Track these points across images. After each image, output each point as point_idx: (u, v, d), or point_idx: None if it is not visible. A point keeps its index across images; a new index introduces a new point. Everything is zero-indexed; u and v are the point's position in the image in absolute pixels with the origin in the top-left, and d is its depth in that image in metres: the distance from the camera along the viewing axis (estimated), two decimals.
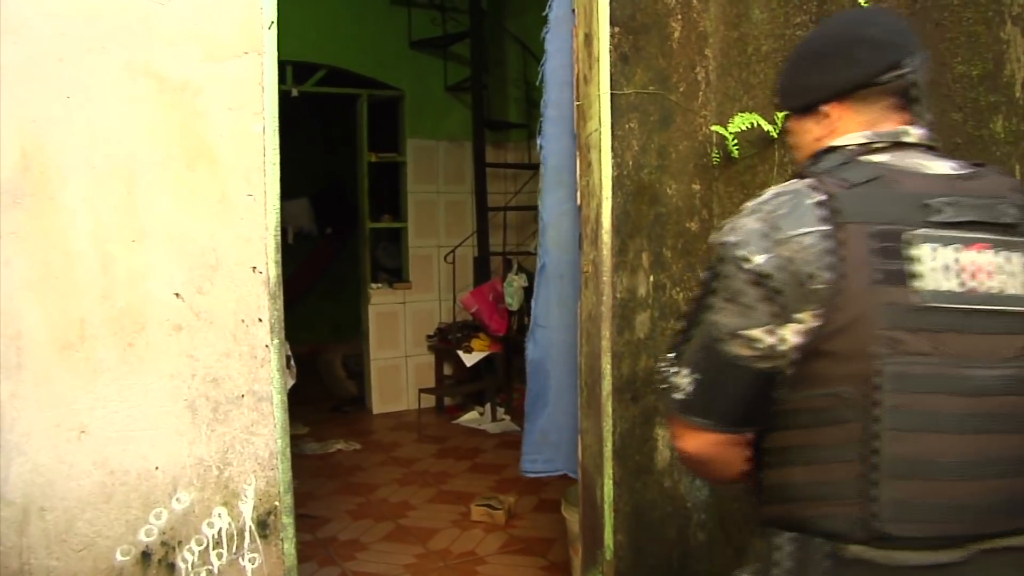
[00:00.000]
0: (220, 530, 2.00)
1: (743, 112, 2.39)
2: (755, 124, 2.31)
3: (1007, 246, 1.22)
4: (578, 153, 2.55)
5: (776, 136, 2.33)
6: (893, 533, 1.16)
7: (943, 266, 1.19)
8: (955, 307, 1.19)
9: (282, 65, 5.76)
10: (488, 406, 5.66)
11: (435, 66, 6.13)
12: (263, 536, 2.04)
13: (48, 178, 1.83)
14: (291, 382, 3.68)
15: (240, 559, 2.02)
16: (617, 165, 2.41)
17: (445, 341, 5.96)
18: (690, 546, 2.59)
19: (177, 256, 1.94)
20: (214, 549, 2.00)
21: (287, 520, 2.06)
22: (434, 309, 6.29)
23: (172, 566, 1.96)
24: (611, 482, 2.44)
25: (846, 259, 1.16)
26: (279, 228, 2.03)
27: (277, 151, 2.01)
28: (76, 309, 1.87)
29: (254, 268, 2.00)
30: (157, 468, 1.94)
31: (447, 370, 6.15)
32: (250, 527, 2.03)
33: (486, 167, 5.86)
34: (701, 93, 2.52)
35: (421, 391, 5.85)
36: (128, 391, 1.91)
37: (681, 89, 2.49)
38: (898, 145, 1.29)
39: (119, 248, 1.89)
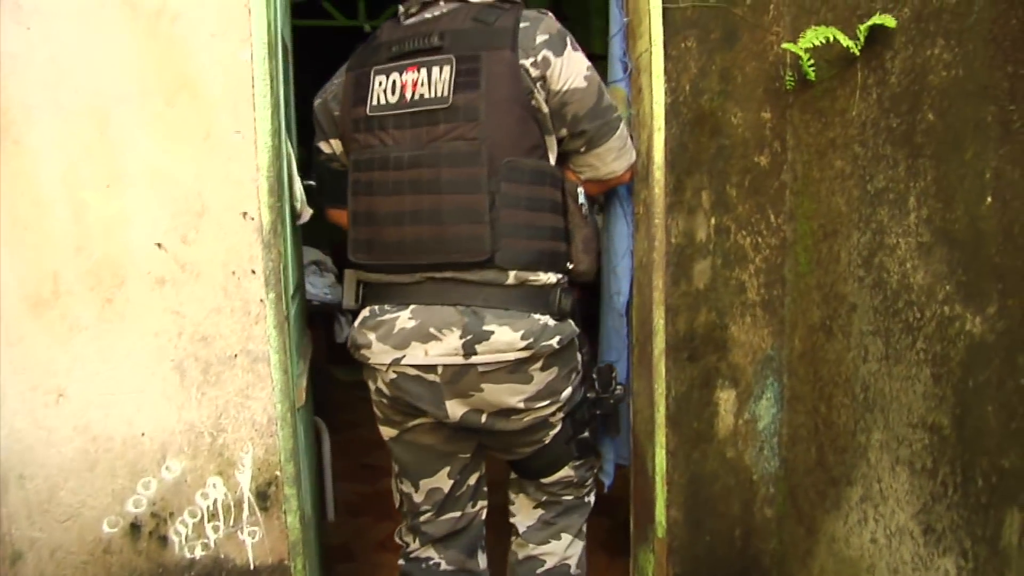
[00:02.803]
0: (216, 501, 1.85)
1: (821, 25, 2.01)
2: (831, 39, 1.93)
3: (431, 64, 1.76)
4: (628, 78, 2.23)
5: (859, 54, 1.95)
6: (356, 261, 1.87)
7: (388, 86, 1.80)
8: (392, 113, 1.80)
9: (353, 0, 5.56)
10: None
11: None
12: (264, 508, 1.88)
13: (11, 119, 1.67)
14: (348, 329, 3.54)
15: (239, 532, 1.87)
16: (671, 90, 2.09)
17: None
18: (756, 523, 2.30)
19: (158, 201, 1.76)
20: (209, 522, 1.85)
21: (290, 491, 1.89)
22: None
23: (164, 539, 1.82)
24: (663, 451, 2.17)
25: (342, 94, 1.91)
26: (274, 169, 1.82)
27: (268, 81, 1.79)
28: (48, 262, 1.72)
29: (244, 214, 1.80)
30: (143, 434, 1.79)
31: None
32: (249, 498, 1.86)
33: None
34: (772, 5, 2.14)
35: None
36: (108, 351, 1.76)
37: (748, 1, 2.12)
38: (424, 4, 1.86)
39: (92, 194, 1.72)
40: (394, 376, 1.82)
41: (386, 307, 1.84)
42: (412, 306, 1.80)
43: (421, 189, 1.76)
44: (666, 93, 2.08)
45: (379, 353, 1.82)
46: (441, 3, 1.86)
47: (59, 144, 1.69)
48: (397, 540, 2.15)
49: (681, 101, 2.10)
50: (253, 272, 1.81)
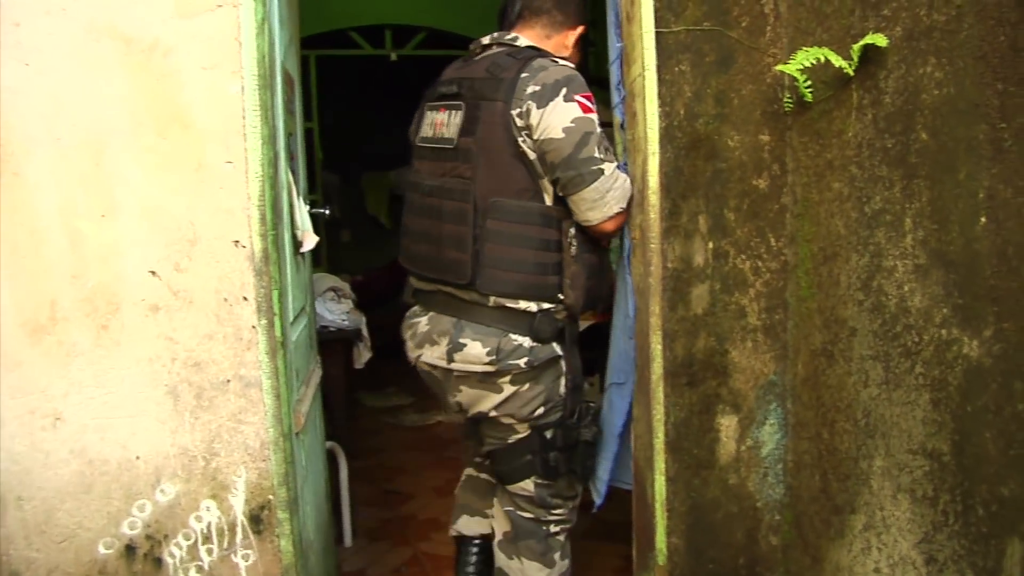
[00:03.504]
0: (209, 524, 1.87)
1: (816, 46, 2.00)
2: (822, 59, 1.91)
3: (452, 108, 2.07)
4: (623, 103, 2.23)
5: (853, 74, 1.93)
6: (403, 265, 2.25)
7: (429, 123, 2.15)
8: (427, 145, 2.15)
9: (380, 29, 5.63)
10: (598, 377, 5.38)
11: None
12: (257, 532, 1.90)
13: (10, 152, 1.73)
14: (367, 355, 3.56)
15: (232, 555, 1.89)
16: (665, 115, 2.08)
17: None
18: (760, 551, 2.26)
19: (151, 231, 1.81)
20: (203, 544, 1.87)
21: (283, 515, 1.91)
22: None
23: (159, 561, 1.86)
24: (663, 478, 2.14)
25: (414, 123, 2.26)
26: (265, 198, 1.85)
27: (259, 113, 1.82)
28: (46, 290, 1.77)
29: (236, 242, 1.83)
30: (138, 458, 1.83)
31: None
32: (242, 522, 1.89)
33: None
34: (769, 28, 2.13)
35: None
36: (104, 376, 1.80)
37: (744, 24, 2.12)
38: (483, 47, 2.18)
39: (88, 224, 1.78)
40: (419, 368, 2.24)
41: (416, 310, 2.25)
42: (431, 313, 2.18)
43: (431, 215, 2.11)
44: (660, 117, 2.07)
45: (410, 348, 2.24)
46: (494, 47, 2.16)
47: (56, 175, 1.75)
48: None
49: (675, 125, 2.10)
50: (245, 299, 1.84)
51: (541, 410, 2.13)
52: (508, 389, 2.07)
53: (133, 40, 1.76)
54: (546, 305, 2.06)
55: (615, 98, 2.29)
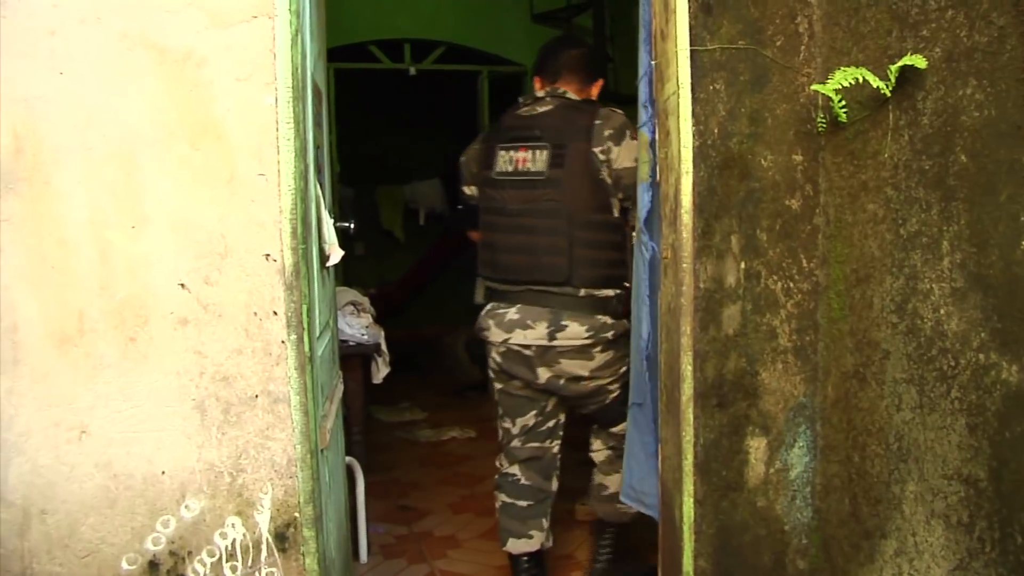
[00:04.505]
0: (234, 541, 1.84)
1: (852, 66, 1.98)
2: (861, 80, 1.89)
3: (534, 148, 2.65)
4: (656, 121, 2.21)
5: (890, 95, 1.91)
6: (482, 275, 2.84)
7: (507, 159, 2.71)
8: (508, 178, 2.70)
9: (400, 43, 5.64)
10: None
11: None
12: (282, 550, 1.87)
13: (41, 161, 1.72)
14: (385, 370, 3.53)
15: (257, 573, 1.86)
16: (699, 133, 2.06)
17: None
18: (788, 575, 2.22)
19: (181, 243, 1.79)
20: (227, 561, 1.84)
21: (308, 533, 1.88)
22: None
23: None
24: (691, 500, 2.11)
25: (477, 158, 2.86)
26: (297, 211, 1.83)
27: (292, 125, 1.81)
28: (74, 301, 1.75)
29: (267, 256, 1.82)
30: (164, 473, 1.80)
31: None
32: (267, 539, 1.86)
33: None
34: (803, 47, 2.11)
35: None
36: (131, 389, 1.78)
37: (778, 43, 2.10)
38: (536, 100, 2.75)
39: (118, 235, 1.76)
40: (504, 350, 2.74)
41: (501, 305, 2.74)
42: (518, 305, 2.69)
43: (524, 231, 2.66)
44: (694, 136, 2.05)
45: (495, 334, 2.73)
46: (547, 99, 2.73)
47: (86, 185, 1.73)
48: (497, 464, 2.98)
49: (709, 144, 2.08)
50: (275, 313, 1.82)
51: (625, 368, 2.69)
52: (599, 357, 2.68)
53: (167, 50, 1.75)
54: (618, 291, 2.68)
55: (643, 116, 2.27)
